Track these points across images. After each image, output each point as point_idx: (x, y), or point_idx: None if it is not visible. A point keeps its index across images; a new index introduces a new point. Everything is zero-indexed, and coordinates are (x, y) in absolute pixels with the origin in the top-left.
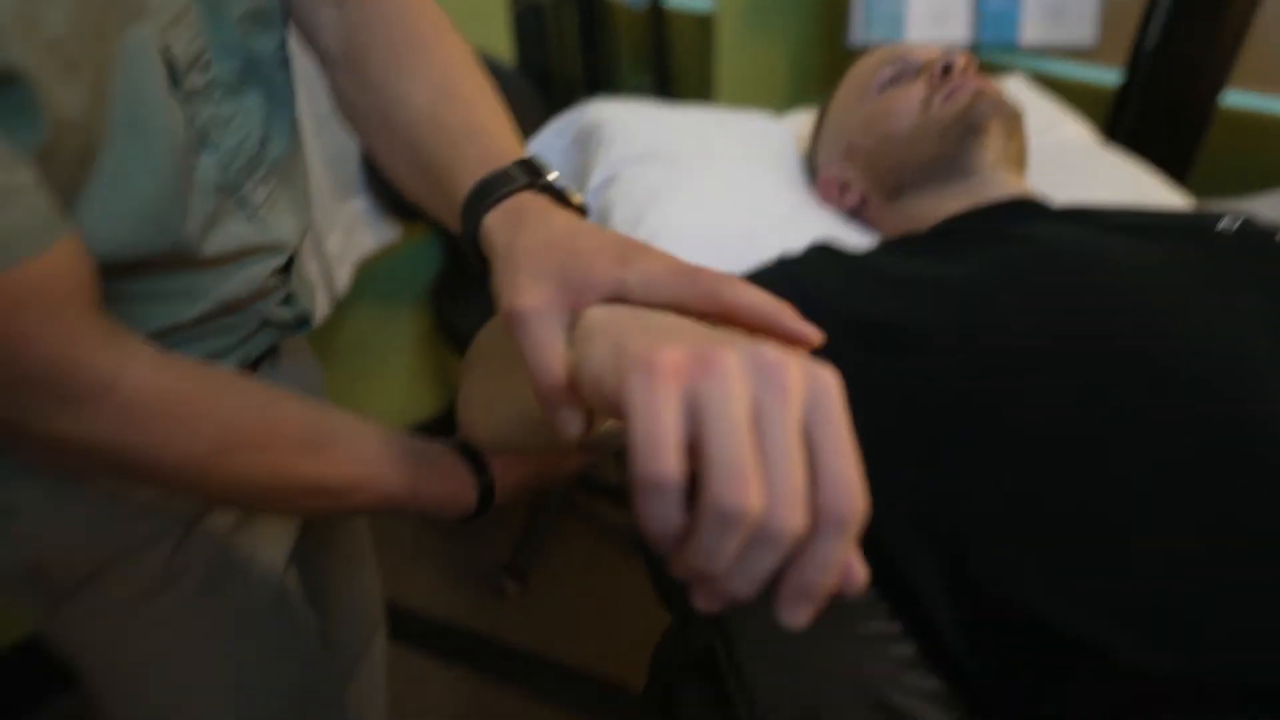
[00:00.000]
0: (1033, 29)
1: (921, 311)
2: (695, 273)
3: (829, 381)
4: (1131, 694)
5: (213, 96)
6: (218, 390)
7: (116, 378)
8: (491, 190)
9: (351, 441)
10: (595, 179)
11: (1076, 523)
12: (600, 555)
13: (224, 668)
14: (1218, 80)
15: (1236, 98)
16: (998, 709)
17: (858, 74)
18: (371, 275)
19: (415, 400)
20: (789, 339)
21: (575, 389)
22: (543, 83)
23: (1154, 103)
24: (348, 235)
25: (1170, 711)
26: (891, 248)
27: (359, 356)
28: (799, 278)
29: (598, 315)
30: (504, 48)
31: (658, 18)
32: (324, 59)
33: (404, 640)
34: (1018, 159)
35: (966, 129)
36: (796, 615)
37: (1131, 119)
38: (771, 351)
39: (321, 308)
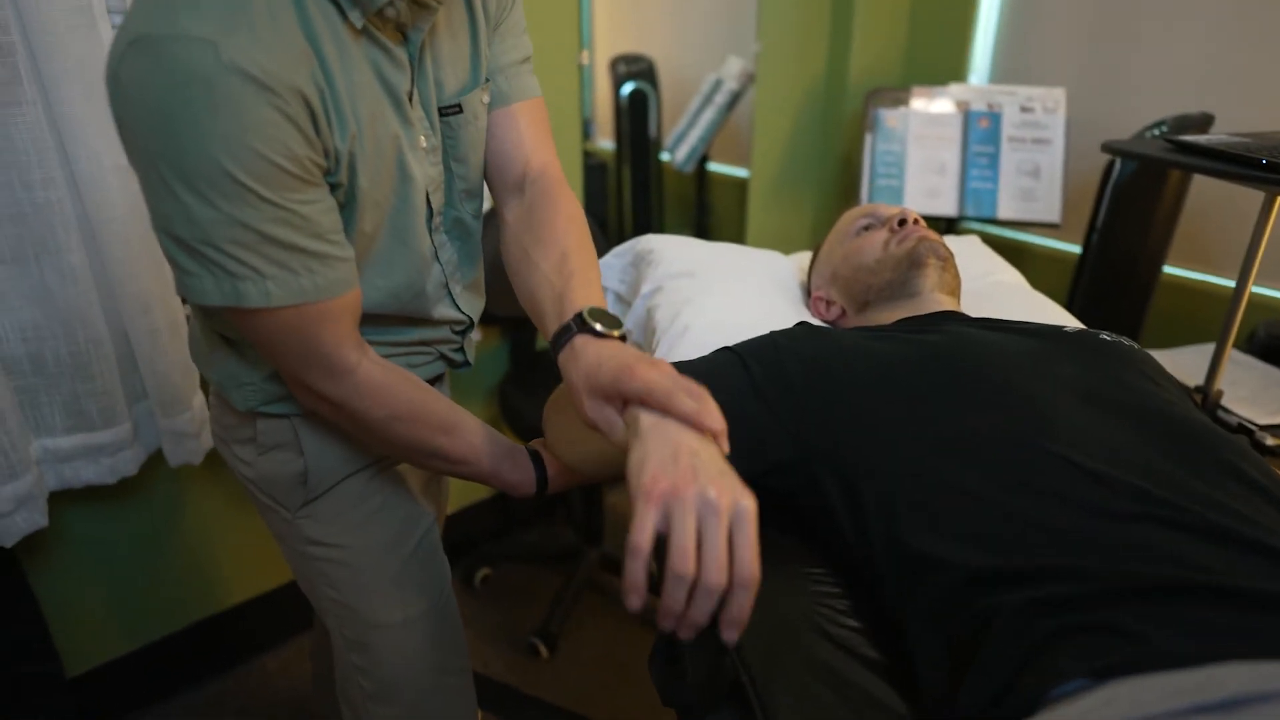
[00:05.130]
0: (1007, 207)
1: (860, 366)
2: (669, 392)
3: (747, 505)
4: (960, 580)
5: (441, 233)
6: (402, 383)
7: (357, 366)
8: (561, 337)
9: (468, 430)
10: (645, 289)
11: (940, 490)
12: (620, 629)
13: (392, 562)
14: (1159, 253)
15: (1174, 270)
16: (896, 613)
17: (842, 223)
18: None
19: None
20: (712, 430)
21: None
22: (601, 224)
23: (1105, 270)
24: None
25: (981, 592)
26: (850, 330)
27: None
28: (780, 342)
29: (644, 421)
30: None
31: (702, 179)
32: (502, 222)
33: None
34: (951, 287)
35: (911, 263)
36: (731, 634)
37: (1088, 283)
38: (713, 490)
39: None
